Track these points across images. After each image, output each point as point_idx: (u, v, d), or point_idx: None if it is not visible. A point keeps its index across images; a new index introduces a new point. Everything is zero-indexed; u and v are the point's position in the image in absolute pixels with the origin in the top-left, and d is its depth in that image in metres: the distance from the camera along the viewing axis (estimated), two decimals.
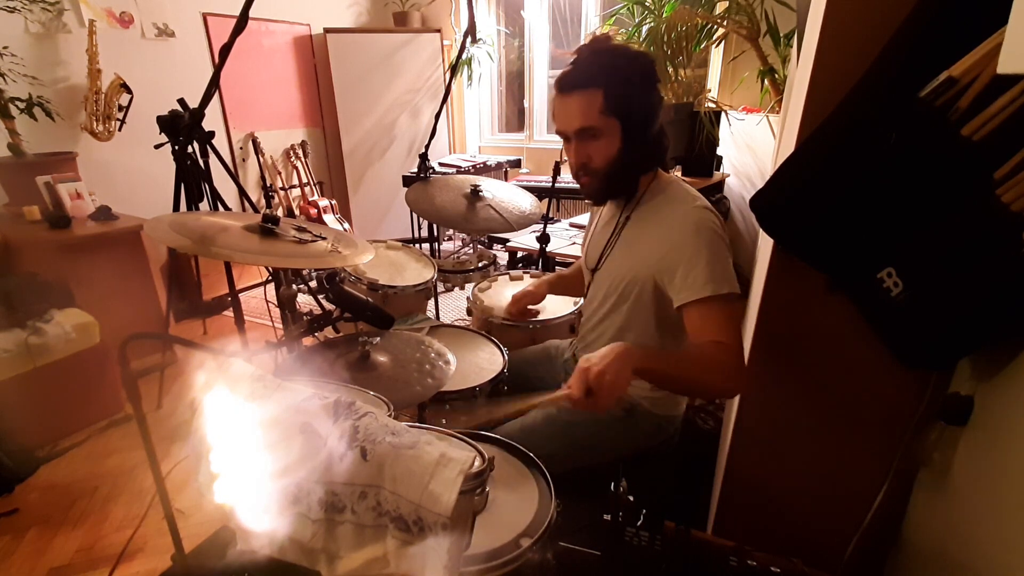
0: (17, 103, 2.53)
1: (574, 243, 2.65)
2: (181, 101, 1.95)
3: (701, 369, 0.99)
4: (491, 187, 2.05)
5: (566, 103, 1.10)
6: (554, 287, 1.60)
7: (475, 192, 1.99)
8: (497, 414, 1.03)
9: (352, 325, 1.49)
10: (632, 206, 1.19)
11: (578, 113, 1.09)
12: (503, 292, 1.89)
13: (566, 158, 1.23)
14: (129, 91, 3.00)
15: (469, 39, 2.24)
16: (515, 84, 4.91)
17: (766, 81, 2.90)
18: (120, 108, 3.01)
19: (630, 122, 1.08)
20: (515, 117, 5.02)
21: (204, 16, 3.47)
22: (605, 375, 0.87)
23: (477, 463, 0.62)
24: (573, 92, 1.08)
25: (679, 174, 3.21)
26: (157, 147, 2.08)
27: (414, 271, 2.00)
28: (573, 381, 0.90)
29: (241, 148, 3.91)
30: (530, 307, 1.62)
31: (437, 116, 2.36)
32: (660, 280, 1.10)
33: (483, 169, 4.04)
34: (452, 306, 3.40)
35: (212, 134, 1.91)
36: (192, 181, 2.03)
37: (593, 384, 0.88)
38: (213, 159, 1.98)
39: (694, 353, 1.02)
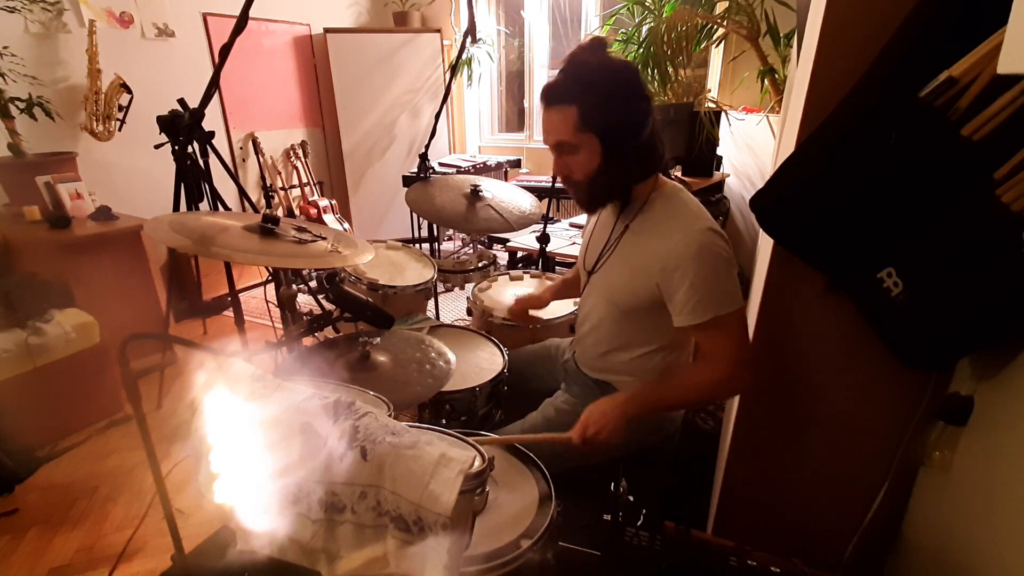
0: (17, 103, 2.52)
1: (574, 243, 2.65)
2: (181, 101, 1.95)
3: (701, 394, 1.12)
4: (491, 187, 2.05)
5: (546, 116, 1.10)
6: (558, 293, 1.59)
7: (475, 192, 1.99)
8: (500, 442, 1.08)
9: (352, 325, 1.49)
10: (631, 215, 1.17)
11: (554, 128, 1.09)
12: (503, 292, 1.90)
13: None
14: (129, 91, 2.99)
15: (469, 39, 2.24)
16: (515, 84, 4.90)
17: (766, 81, 2.90)
18: (120, 108, 3.01)
19: (608, 137, 1.06)
20: (515, 117, 5.02)
21: (204, 16, 3.47)
22: (600, 435, 1.06)
23: (477, 463, 0.62)
24: (551, 106, 1.08)
25: (679, 174, 3.21)
26: (157, 147, 2.08)
27: (414, 271, 2.00)
28: (576, 430, 1.08)
29: (241, 148, 3.91)
30: (532, 312, 1.61)
31: (437, 116, 2.36)
32: (659, 296, 1.10)
33: (483, 169, 4.04)
34: (452, 306, 3.40)
35: (212, 134, 1.91)
36: (192, 181, 2.03)
37: (590, 439, 1.07)
38: (213, 159, 1.98)
39: (687, 380, 1.13)
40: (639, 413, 1.10)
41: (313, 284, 2.87)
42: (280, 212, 4.08)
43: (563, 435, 1.10)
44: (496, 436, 1.08)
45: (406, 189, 2.07)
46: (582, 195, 1.16)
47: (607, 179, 1.11)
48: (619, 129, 1.06)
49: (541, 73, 4.59)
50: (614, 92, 1.04)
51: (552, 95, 1.07)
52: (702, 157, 3.17)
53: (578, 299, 1.70)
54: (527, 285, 1.97)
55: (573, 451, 1.19)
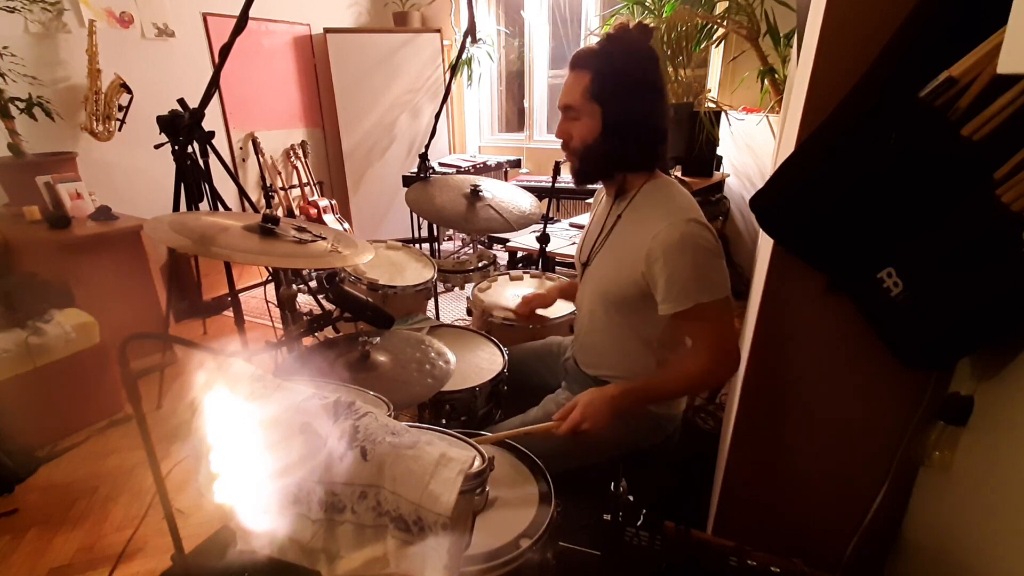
0: (17, 103, 2.52)
1: (574, 243, 2.65)
2: (181, 101, 1.95)
3: (687, 383, 1.17)
4: (491, 187, 2.05)
5: (567, 79, 1.14)
6: (564, 293, 1.59)
7: (475, 192, 1.99)
8: (488, 440, 1.09)
9: (352, 325, 1.50)
10: (624, 205, 1.18)
11: (567, 90, 1.14)
12: (503, 292, 1.90)
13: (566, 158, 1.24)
14: (129, 91, 2.99)
15: (469, 39, 2.24)
16: (515, 84, 4.90)
17: (766, 81, 2.90)
18: (120, 108, 3.01)
19: (610, 113, 1.10)
20: (515, 117, 5.02)
21: (204, 16, 3.47)
22: (591, 429, 1.07)
23: (477, 463, 0.62)
24: (572, 70, 1.13)
25: (679, 174, 3.21)
26: (157, 147, 2.08)
27: (414, 271, 2.00)
28: (567, 423, 1.08)
29: (241, 148, 3.91)
30: (538, 311, 1.61)
31: (437, 116, 2.36)
32: (645, 287, 1.11)
33: (483, 169, 4.03)
34: (452, 306, 3.40)
35: (212, 134, 1.91)
36: (192, 181, 2.03)
37: (578, 431, 1.08)
38: (213, 159, 1.98)
39: (674, 372, 1.16)
40: (630, 407, 1.12)
41: (313, 284, 2.87)
42: (280, 212, 4.08)
43: (545, 425, 1.11)
44: (484, 436, 1.08)
45: (406, 189, 2.07)
46: (575, 163, 1.19)
47: (600, 152, 1.14)
48: (622, 108, 1.09)
49: (541, 73, 4.59)
50: (628, 73, 1.08)
51: (576, 59, 1.12)
52: (702, 157, 3.17)
53: None
54: (527, 285, 1.97)
55: (573, 451, 1.20)
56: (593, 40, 4.01)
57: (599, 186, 1.29)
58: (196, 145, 1.93)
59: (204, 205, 2.07)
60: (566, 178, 3.67)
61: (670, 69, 3.01)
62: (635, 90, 1.09)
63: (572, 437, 1.08)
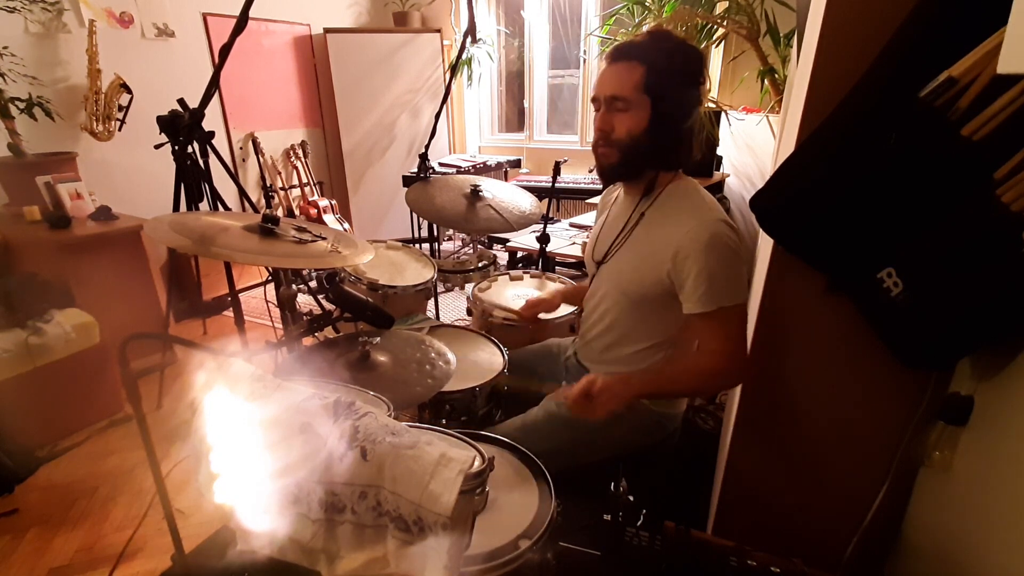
0: (17, 103, 2.52)
1: (574, 243, 2.65)
2: (181, 101, 1.95)
3: (697, 383, 1.14)
4: (491, 187, 2.05)
5: (609, 71, 1.12)
6: (568, 297, 1.59)
7: (475, 192, 1.99)
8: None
9: (352, 325, 1.49)
10: (647, 204, 1.17)
11: (615, 81, 1.10)
12: (503, 292, 1.90)
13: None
14: (129, 91, 2.99)
15: (469, 39, 2.24)
16: (515, 84, 4.90)
17: (766, 81, 2.90)
18: (120, 108, 3.00)
19: (661, 105, 1.08)
20: (515, 117, 5.02)
21: (204, 16, 3.47)
22: (604, 393, 1.04)
23: (477, 463, 0.62)
24: (618, 61, 1.10)
25: None
26: (157, 147, 2.08)
27: (414, 271, 2.00)
28: (576, 399, 1.05)
29: (241, 148, 3.91)
30: (541, 316, 1.60)
31: (437, 116, 2.36)
32: (669, 286, 1.10)
33: (483, 169, 4.03)
34: (452, 306, 3.40)
35: (212, 134, 1.91)
36: (192, 181, 2.03)
37: (595, 393, 1.05)
38: (213, 159, 1.98)
39: (685, 366, 1.14)
40: (643, 393, 1.12)
41: (313, 284, 2.86)
42: (280, 212, 4.08)
43: (560, 390, 1.11)
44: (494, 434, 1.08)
45: (406, 189, 2.07)
46: (613, 157, 1.15)
47: (642, 147, 1.11)
48: (673, 102, 1.08)
49: (541, 73, 4.58)
50: (681, 69, 1.07)
51: (623, 52, 1.10)
52: (702, 157, 3.17)
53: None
54: (527, 285, 1.97)
55: (574, 450, 1.20)
56: (593, 40, 4.04)
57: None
58: (196, 145, 1.93)
59: (204, 205, 2.07)
60: (566, 178, 3.67)
61: None
62: (687, 87, 1.08)
63: (580, 402, 1.06)
